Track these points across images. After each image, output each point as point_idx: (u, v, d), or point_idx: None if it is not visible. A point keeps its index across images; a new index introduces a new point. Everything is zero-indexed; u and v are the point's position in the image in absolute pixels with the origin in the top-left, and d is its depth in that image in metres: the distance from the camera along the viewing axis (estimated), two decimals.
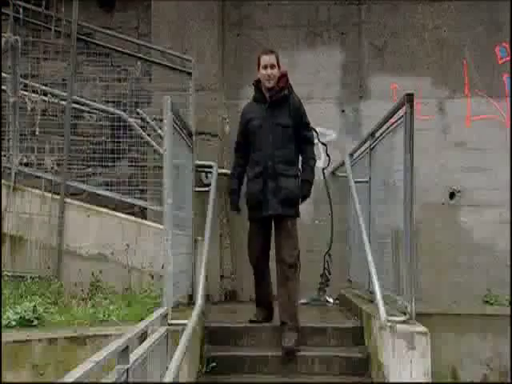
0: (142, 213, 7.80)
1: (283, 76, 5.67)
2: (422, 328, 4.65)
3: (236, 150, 6.00)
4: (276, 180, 5.54)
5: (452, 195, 8.37)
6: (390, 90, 8.35)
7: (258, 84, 5.76)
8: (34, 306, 5.63)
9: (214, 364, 5.50)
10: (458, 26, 8.47)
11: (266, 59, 5.61)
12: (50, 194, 7.14)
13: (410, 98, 4.78)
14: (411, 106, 4.76)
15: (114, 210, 7.37)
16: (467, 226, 8.32)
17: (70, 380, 2.15)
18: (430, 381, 4.53)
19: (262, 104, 5.70)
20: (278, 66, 5.65)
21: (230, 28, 8.63)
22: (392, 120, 5.39)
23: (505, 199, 8.22)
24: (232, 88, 8.53)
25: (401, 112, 4.98)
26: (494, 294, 7.94)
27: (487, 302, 7.91)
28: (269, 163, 5.56)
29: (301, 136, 5.71)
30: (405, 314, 4.81)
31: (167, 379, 3.04)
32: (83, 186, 7.52)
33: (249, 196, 5.71)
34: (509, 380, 6.64)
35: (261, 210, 5.60)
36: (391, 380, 4.69)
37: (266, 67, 5.60)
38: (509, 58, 8.38)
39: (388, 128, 5.57)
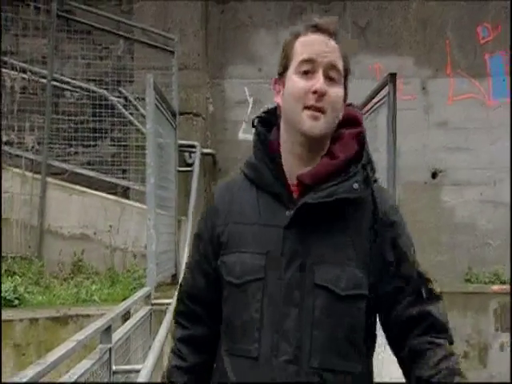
0: (125, 192, 7.75)
1: (356, 122, 1.70)
2: None
3: (178, 318, 1.84)
4: None
5: (434, 175, 8.42)
6: (373, 69, 8.33)
7: (263, 126, 1.74)
8: (15, 286, 5.61)
9: None
10: (441, 6, 8.44)
11: (318, 46, 1.63)
12: (30, 173, 7.07)
13: (392, 78, 4.78)
14: (394, 86, 4.76)
15: (96, 189, 7.32)
16: (449, 205, 8.38)
17: (52, 359, 2.14)
18: None
19: (273, 200, 1.66)
20: (345, 86, 1.67)
21: (213, 6, 8.53)
22: (375, 100, 5.39)
23: (486, 178, 8.28)
24: (216, 67, 8.46)
25: (384, 92, 4.98)
26: (475, 273, 8.03)
27: (468, 280, 8.00)
28: None
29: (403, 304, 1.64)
30: None
31: (150, 358, 3.05)
32: (65, 166, 7.45)
33: None
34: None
35: None
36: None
37: (312, 67, 1.62)
38: (490, 38, 8.39)
39: (371, 108, 5.57)
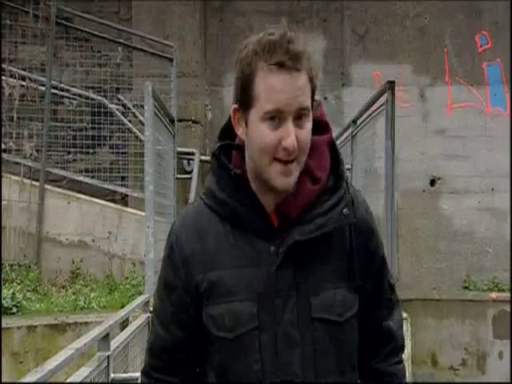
0: (124, 200, 7.75)
1: (324, 126, 1.59)
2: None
3: (152, 373, 1.60)
4: None
5: (432, 182, 8.43)
6: (371, 77, 8.36)
7: (225, 155, 1.54)
8: (13, 294, 5.59)
9: None
10: (439, 14, 8.48)
11: (285, 93, 1.41)
12: (29, 181, 7.06)
13: (391, 86, 4.79)
14: (392, 94, 4.77)
15: (94, 197, 7.32)
16: (447, 213, 8.39)
17: (50, 367, 2.14)
18: (409, 366, 4.57)
19: (252, 235, 1.50)
20: (313, 94, 1.48)
21: (211, 13, 8.56)
22: (373, 107, 5.40)
23: (484, 186, 8.29)
24: (214, 74, 8.48)
25: (382, 99, 4.99)
26: (473, 280, 8.03)
27: (466, 287, 8.00)
28: None
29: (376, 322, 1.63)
30: None
31: None
32: (63, 173, 7.45)
33: None
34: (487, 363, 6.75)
35: None
36: None
37: (280, 115, 1.42)
38: (488, 46, 8.42)
39: (370, 115, 5.58)
